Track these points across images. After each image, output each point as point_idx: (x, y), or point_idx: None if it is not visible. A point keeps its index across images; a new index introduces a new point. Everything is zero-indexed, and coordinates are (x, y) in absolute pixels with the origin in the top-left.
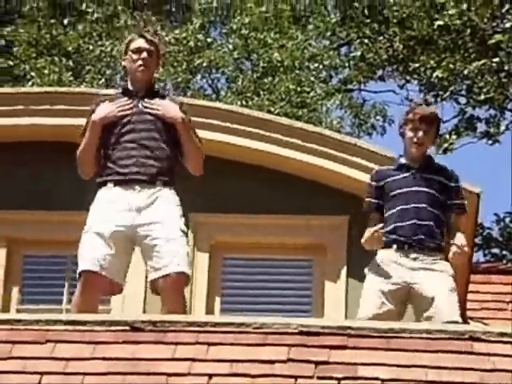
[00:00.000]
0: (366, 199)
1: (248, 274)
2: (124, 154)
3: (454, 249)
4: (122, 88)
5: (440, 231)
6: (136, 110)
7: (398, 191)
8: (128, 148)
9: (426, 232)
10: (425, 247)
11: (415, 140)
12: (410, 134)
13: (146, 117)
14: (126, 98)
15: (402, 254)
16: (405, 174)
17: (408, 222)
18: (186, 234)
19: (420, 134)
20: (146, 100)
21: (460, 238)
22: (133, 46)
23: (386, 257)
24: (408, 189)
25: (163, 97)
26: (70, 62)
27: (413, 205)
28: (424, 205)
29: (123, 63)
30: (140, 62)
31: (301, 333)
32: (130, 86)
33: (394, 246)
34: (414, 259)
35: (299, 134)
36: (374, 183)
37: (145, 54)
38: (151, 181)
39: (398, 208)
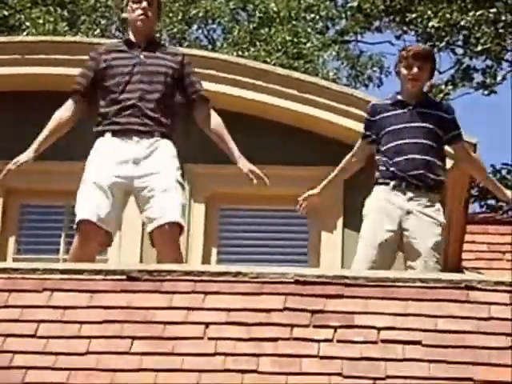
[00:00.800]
0: (362, 131)
1: (244, 224)
2: (123, 104)
3: None
4: (123, 39)
5: (440, 165)
6: (138, 61)
7: (394, 127)
8: (127, 99)
9: (426, 166)
10: (423, 184)
11: (410, 77)
12: (404, 71)
13: (148, 68)
14: (126, 48)
15: (399, 193)
16: (401, 110)
17: (405, 157)
18: (183, 186)
19: (414, 69)
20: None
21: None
22: None
23: (381, 195)
24: (405, 124)
25: (164, 47)
26: (65, 12)
27: (411, 140)
28: (422, 140)
29: (124, 15)
30: (140, 12)
31: (297, 282)
32: (131, 38)
33: (392, 183)
34: (410, 199)
35: (297, 85)
36: (368, 117)
37: (144, 4)
38: (149, 132)
39: (395, 143)
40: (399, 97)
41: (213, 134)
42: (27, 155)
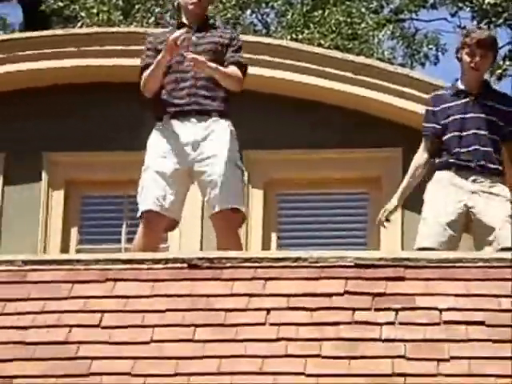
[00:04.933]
0: (423, 124)
1: (303, 209)
2: (179, 86)
3: None
4: (176, 22)
5: (498, 158)
6: (190, 43)
7: (457, 117)
8: (182, 79)
9: (486, 157)
10: (484, 170)
11: (472, 65)
12: (467, 58)
13: (201, 48)
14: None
15: (461, 176)
16: (463, 100)
17: (469, 148)
18: (242, 170)
19: (477, 58)
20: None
21: None
22: None
23: (445, 178)
24: (467, 115)
25: (216, 29)
26: (120, 2)
27: (472, 131)
28: (483, 131)
29: None
30: None
31: (357, 265)
32: (184, 21)
33: (453, 168)
34: (473, 181)
35: (351, 67)
36: (430, 108)
37: None
38: (207, 112)
39: (457, 133)
40: (460, 85)
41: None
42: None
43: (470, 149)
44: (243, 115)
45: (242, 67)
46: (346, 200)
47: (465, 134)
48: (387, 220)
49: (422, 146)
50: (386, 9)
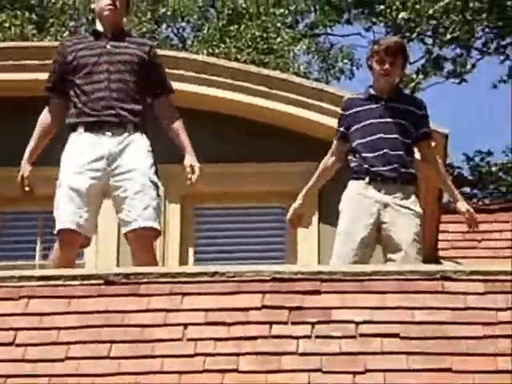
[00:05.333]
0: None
1: (220, 223)
2: (94, 96)
3: (466, 216)
4: (90, 30)
5: (411, 160)
6: (105, 51)
7: (367, 122)
8: (97, 89)
9: (399, 161)
10: (398, 178)
11: (382, 72)
12: (376, 66)
13: (116, 57)
14: (93, 39)
15: (374, 187)
16: (374, 105)
17: (379, 152)
18: (157, 185)
19: (386, 65)
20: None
21: (463, 205)
22: None
23: (358, 189)
24: (378, 119)
25: (133, 37)
26: (34, 16)
27: (383, 135)
28: (395, 135)
29: (92, 6)
30: (107, 1)
31: (274, 279)
32: (98, 28)
33: (367, 179)
34: (386, 193)
35: (267, 81)
36: (342, 112)
37: None
38: (122, 124)
39: (368, 138)
40: (372, 91)
41: (170, 127)
42: (26, 169)
43: (380, 152)
44: (159, 128)
45: (171, 93)
46: (262, 214)
47: (375, 137)
48: (304, 226)
49: (332, 148)
50: (302, 24)
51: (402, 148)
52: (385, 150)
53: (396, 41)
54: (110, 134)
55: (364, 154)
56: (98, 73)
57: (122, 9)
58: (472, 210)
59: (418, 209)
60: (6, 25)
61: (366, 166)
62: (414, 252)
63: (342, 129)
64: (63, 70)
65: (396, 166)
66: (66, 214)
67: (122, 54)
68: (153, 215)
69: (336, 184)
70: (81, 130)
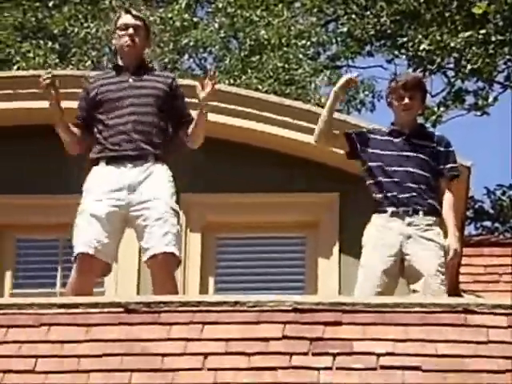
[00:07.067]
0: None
1: (241, 253)
2: (115, 130)
3: (450, 253)
4: (112, 66)
5: (433, 195)
6: (127, 85)
7: (388, 152)
8: (119, 124)
9: (420, 194)
10: (420, 208)
11: (402, 107)
12: (396, 102)
13: (137, 91)
14: (115, 74)
15: (397, 218)
16: (396, 139)
17: (400, 186)
18: (178, 213)
19: (406, 100)
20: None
21: (452, 241)
22: (119, 23)
23: (381, 223)
24: (398, 152)
25: (154, 70)
26: (56, 45)
27: (405, 168)
28: (416, 169)
29: (113, 42)
30: (126, 38)
31: (295, 310)
32: (120, 63)
33: (389, 210)
34: (409, 224)
35: (289, 112)
36: (365, 131)
37: (131, 30)
38: (143, 156)
39: (390, 172)
40: (393, 127)
41: (192, 134)
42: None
43: (402, 186)
44: (180, 158)
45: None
46: (283, 244)
47: (397, 171)
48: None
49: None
50: (323, 55)
51: (424, 182)
52: (406, 184)
53: (413, 76)
54: (130, 165)
55: (385, 188)
56: (120, 107)
57: (142, 42)
58: (459, 250)
59: (442, 240)
60: (30, 55)
61: (388, 197)
62: (437, 282)
63: (357, 140)
64: (88, 106)
65: (418, 197)
66: (84, 239)
67: (145, 88)
68: (172, 241)
69: (356, 214)
70: (103, 163)
